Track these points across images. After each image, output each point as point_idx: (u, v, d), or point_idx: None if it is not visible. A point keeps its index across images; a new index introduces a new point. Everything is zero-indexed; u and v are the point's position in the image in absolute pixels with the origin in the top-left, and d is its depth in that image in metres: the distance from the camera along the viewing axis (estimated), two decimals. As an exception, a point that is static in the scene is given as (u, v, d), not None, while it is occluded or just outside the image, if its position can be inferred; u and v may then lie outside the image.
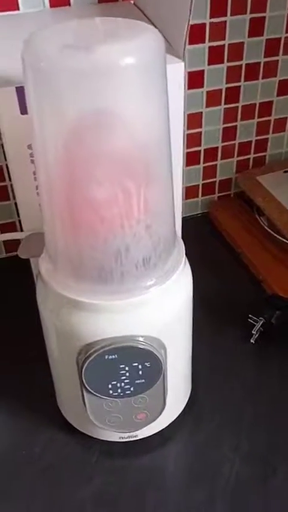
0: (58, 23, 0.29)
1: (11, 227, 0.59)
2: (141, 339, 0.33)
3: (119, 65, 0.25)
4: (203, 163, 0.63)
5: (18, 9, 0.47)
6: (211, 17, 0.53)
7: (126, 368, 0.34)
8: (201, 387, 0.45)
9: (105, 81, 0.25)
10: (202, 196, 0.66)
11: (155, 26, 0.43)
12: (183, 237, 0.49)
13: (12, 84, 0.35)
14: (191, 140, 0.61)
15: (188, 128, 0.60)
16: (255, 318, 0.49)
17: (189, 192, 0.65)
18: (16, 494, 0.38)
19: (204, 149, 0.62)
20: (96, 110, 0.26)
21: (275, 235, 0.58)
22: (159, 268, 0.33)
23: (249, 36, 0.56)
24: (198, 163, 0.63)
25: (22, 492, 0.38)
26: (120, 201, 0.29)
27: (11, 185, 0.55)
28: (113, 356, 0.33)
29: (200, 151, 0.62)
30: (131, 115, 0.27)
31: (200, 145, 0.62)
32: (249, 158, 0.65)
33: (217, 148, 0.63)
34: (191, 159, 0.63)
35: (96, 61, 0.25)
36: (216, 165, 0.64)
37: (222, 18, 0.54)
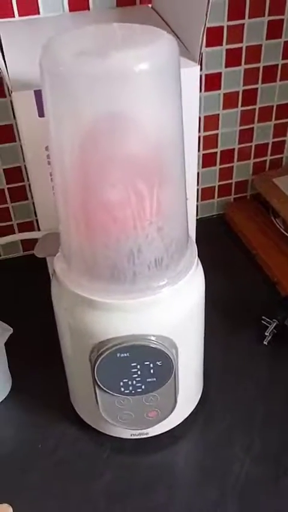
0: (75, 29, 0.30)
1: (29, 226, 0.60)
2: (153, 338, 0.34)
3: (133, 71, 0.25)
4: (220, 164, 0.64)
5: (38, 13, 0.48)
6: (229, 19, 0.53)
7: (138, 367, 0.34)
8: (214, 387, 0.45)
9: (120, 86, 0.26)
10: (218, 197, 0.67)
11: (172, 30, 0.43)
12: (198, 238, 0.50)
13: (31, 87, 0.36)
14: (208, 142, 0.61)
15: (205, 130, 0.60)
16: (268, 320, 0.49)
17: (206, 193, 0.66)
18: (30, 486, 0.39)
19: (221, 151, 0.63)
20: (111, 114, 0.27)
21: (291, 237, 0.58)
22: (172, 269, 0.34)
23: (267, 38, 0.56)
24: (215, 164, 0.64)
25: (36, 484, 0.39)
26: (133, 202, 0.29)
27: (29, 185, 0.56)
28: (125, 354, 0.34)
29: (216, 152, 0.63)
30: (145, 119, 0.28)
31: (216, 146, 0.62)
32: (265, 160, 0.65)
33: (234, 149, 0.63)
34: (207, 161, 0.63)
35: (111, 67, 0.25)
36: (232, 167, 0.65)
37: (240, 21, 0.54)
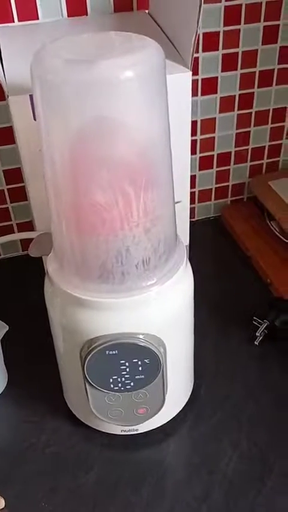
0: (69, 35, 0.31)
1: (29, 226, 0.61)
2: (141, 336, 0.35)
3: (119, 78, 0.26)
4: (216, 167, 0.65)
5: (37, 18, 0.49)
6: (225, 25, 0.54)
7: (127, 364, 0.35)
8: (204, 385, 0.46)
9: (106, 93, 0.27)
10: (215, 199, 0.67)
11: (167, 36, 0.44)
12: (195, 239, 0.51)
13: (27, 92, 0.38)
14: (205, 145, 0.62)
15: (202, 133, 0.61)
16: (259, 321, 0.50)
17: (202, 196, 0.67)
18: (23, 480, 0.40)
19: (218, 154, 0.64)
20: (99, 120, 0.28)
21: (285, 240, 0.59)
22: (160, 269, 0.35)
23: (263, 43, 0.57)
24: (212, 167, 0.64)
25: (28, 478, 0.40)
26: (120, 204, 0.30)
27: (29, 186, 0.58)
28: (114, 352, 0.35)
29: (213, 155, 0.63)
30: (131, 124, 0.29)
31: (213, 149, 0.63)
32: (262, 164, 0.66)
33: (230, 152, 0.64)
34: (204, 163, 0.64)
35: (98, 75, 0.26)
36: (229, 170, 0.65)
37: (236, 26, 0.55)
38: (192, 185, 0.65)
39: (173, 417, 0.43)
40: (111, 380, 0.36)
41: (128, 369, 0.36)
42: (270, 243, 0.61)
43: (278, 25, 0.56)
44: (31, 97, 0.37)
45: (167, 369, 0.37)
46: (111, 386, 0.37)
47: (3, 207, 0.59)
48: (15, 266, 0.60)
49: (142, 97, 0.28)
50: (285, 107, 0.62)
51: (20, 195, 0.59)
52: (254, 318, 0.51)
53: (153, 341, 0.35)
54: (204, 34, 0.54)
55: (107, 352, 0.35)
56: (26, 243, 0.62)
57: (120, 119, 0.28)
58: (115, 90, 0.27)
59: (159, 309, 0.35)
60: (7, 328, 0.44)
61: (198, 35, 0.42)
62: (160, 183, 0.32)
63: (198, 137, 0.61)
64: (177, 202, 0.39)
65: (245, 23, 0.55)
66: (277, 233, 0.61)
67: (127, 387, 0.37)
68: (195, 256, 0.45)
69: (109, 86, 0.27)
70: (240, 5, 0.53)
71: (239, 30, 0.55)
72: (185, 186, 0.46)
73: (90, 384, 0.37)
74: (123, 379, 0.36)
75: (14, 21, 0.49)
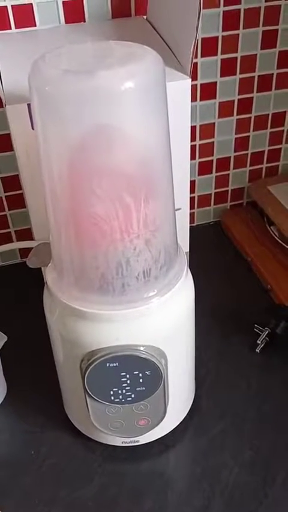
0: (66, 44, 0.30)
1: (27, 233, 0.61)
2: (142, 348, 0.34)
3: (118, 89, 0.26)
4: (216, 172, 0.64)
5: (35, 25, 0.49)
6: (224, 30, 0.54)
7: (127, 376, 0.35)
8: (205, 394, 0.45)
9: (106, 104, 0.27)
10: (214, 204, 0.67)
11: (165, 42, 0.44)
12: (194, 245, 0.50)
13: (25, 101, 0.37)
14: (204, 150, 0.62)
15: (201, 138, 0.61)
16: (260, 328, 0.50)
17: (202, 201, 0.66)
18: (21, 491, 0.40)
19: (217, 159, 0.63)
20: (98, 130, 0.28)
21: (285, 245, 0.59)
22: (160, 280, 0.34)
23: (261, 48, 0.56)
24: (211, 172, 0.64)
25: (27, 489, 0.40)
26: (120, 215, 0.30)
27: (27, 193, 0.57)
28: (115, 364, 0.34)
29: (212, 160, 0.63)
30: (131, 135, 0.28)
31: (212, 154, 0.63)
32: (261, 168, 0.66)
33: (230, 157, 0.64)
34: (203, 168, 0.63)
35: (97, 85, 0.26)
36: (228, 174, 0.65)
37: (235, 31, 0.54)
38: (192, 190, 0.64)
39: (174, 428, 0.42)
40: (111, 392, 0.36)
41: (128, 381, 0.35)
42: (270, 248, 0.60)
43: (277, 30, 0.56)
44: (29, 106, 0.37)
45: (168, 380, 0.37)
46: (112, 398, 0.36)
47: (2, 214, 0.59)
48: (13, 274, 0.60)
49: (142, 107, 0.28)
50: (285, 112, 0.62)
51: (19, 202, 0.58)
52: (255, 325, 0.50)
53: (154, 353, 0.35)
54: (203, 39, 0.54)
55: (107, 364, 0.34)
56: (24, 250, 0.62)
57: (119, 130, 0.28)
58: (114, 101, 0.27)
59: (160, 320, 0.35)
60: (6, 338, 0.44)
61: (197, 40, 0.41)
62: (161, 193, 0.31)
63: (198, 142, 0.61)
64: (177, 210, 0.38)
65: (243, 28, 0.54)
66: (277, 238, 0.61)
67: (128, 399, 0.36)
68: (194, 262, 0.45)
69: (108, 97, 0.26)
70: (239, 10, 0.53)
71: (238, 35, 0.55)
72: (184, 193, 0.45)
73: (91, 396, 0.36)
74: (124, 391, 0.36)
75: (11, 28, 0.48)
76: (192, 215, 0.67)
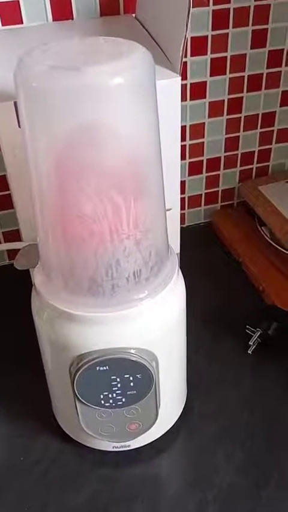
0: (53, 41, 0.29)
1: (16, 235, 0.60)
2: (132, 351, 0.34)
3: (107, 85, 0.25)
4: (206, 172, 0.64)
5: (22, 22, 0.48)
6: (213, 29, 0.53)
7: (118, 380, 0.34)
8: (197, 397, 0.45)
9: (94, 101, 0.26)
10: (205, 205, 0.67)
11: (154, 40, 0.43)
12: (185, 246, 0.50)
13: (12, 98, 0.36)
14: (194, 150, 0.61)
15: (191, 138, 0.60)
16: (252, 329, 0.49)
17: (192, 201, 0.66)
18: (11, 498, 0.39)
19: (207, 159, 0.63)
20: (85, 128, 0.27)
21: (276, 246, 0.58)
22: (151, 282, 0.34)
23: (251, 47, 0.56)
24: (201, 172, 0.64)
25: (17, 496, 0.39)
26: (109, 215, 0.29)
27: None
28: (105, 368, 0.34)
29: (202, 160, 0.63)
30: (119, 132, 0.28)
31: (202, 155, 0.62)
32: (252, 168, 0.66)
33: (220, 158, 0.63)
34: (193, 169, 0.63)
35: (85, 82, 0.25)
36: (219, 175, 0.65)
37: (225, 31, 0.54)
38: (182, 191, 0.64)
39: (166, 432, 0.41)
40: (101, 396, 0.35)
41: (119, 385, 0.35)
42: (261, 248, 0.60)
43: (267, 29, 0.55)
44: (15, 103, 0.36)
45: (159, 383, 0.36)
46: (102, 402, 0.35)
47: (-11, 215, 0.58)
48: (1, 276, 0.59)
49: (131, 103, 0.27)
50: (275, 112, 0.62)
51: (6, 202, 0.57)
52: (247, 326, 0.50)
53: (145, 355, 0.34)
54: (192, 38, 0.53)
55: (97, 368, 0.33)
56: (12, 252, 0.61)
57: (108, 127, 0.27)
58: (103, 97, 0.26)
59: (151, 322, 0.34)
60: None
61: (187, 38, 0.41)
62: (151, 192, 0.31)
63: (188, 142, 0.60)
64: (167, 210, 0.37)
65: (233, 27, 0.54)
66: (268, 239, 0.60)
67: (118, 403, 0.36)
68: (185, 263, 0.44)
69: (97, 94, 0.26)
70: (228, 9, 0.53)
71: (227, 34, 0.54)
72: (175, 193, 0.45)
73: (80, 400, 0.35)
74: (114, 395, 0.35)
75: (-3, 25, 0.47)
76: (182, 216, 0.66)
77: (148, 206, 0.31)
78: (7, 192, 0.56)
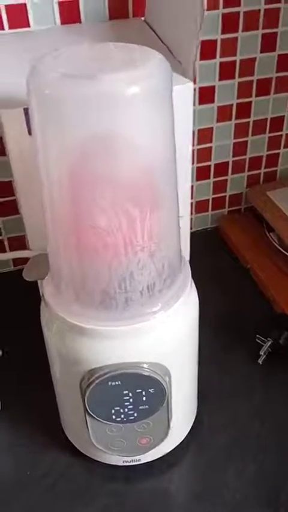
0: (65, 46, 0.29)
1: (21, 241, 0.59)
2: (145, 365, 0.33)
3: (123, 94, 0.24)
4: (214, 177, 0.63)
5: (29, 26, 0.47)
6: (223, 33, 0.53)
7: (130, 394, 0.33)
8: (207, 409, 0.44)
9: (109, 109, 0.25)
10: (212, 210, 0.66)
11: (165, 44, 0.42)
12: (192, 252, 0.49)
13: (21, 105, 0.35)
14: (202, 154, 0.60)
15: (199, 143, 0.59)
16: (262, 339, 0.48)
17: (199, 206, 0.65)
18: (18, 516, 0.38)
19: (215, 164, 0.62)
20: (100, 138, 0.26)
21: (285, 252, 0.57)
22: (164, 294, 0.33)
23: (261, 51, 0.55)
24: (209, 177, 0.63)
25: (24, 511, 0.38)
26: (124, 227, 0.28)
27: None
28: (117, 383, 0.33)
29: (210, 165, 0.62)
30: (135, 142, 0.27)
31: (210, 159, 0.61)
32: (260, 173, 0.65)
33: (228, 162, 0.62)
34: (201, 173, 0.62)
35: (101, 90, 0.24)
36: (226, 180, 0.64)
37: (234, 34, 0.53)
38: (189, 196, 0.63)
39: (176, 446, 0.41)
40: (113, 411, 0.34)
41: (131, 400, 0.34)
42: (270, 255, 0.59)
43: (276, 33, 0.54)
44: (26, 110, 0.35)
45: (172, 397, 0.35)
46: (113, 417, 0.35)
47: (-6, 221, 0.57)
48: (7, 283, 0.58)
49: (148, 113, 0.26)
50: (283, 116, 0.61)
51: (12, 208, 0.56)
52: (257, 336, 0.49)
53: (158, 370, 0.33)
54: (201, 42, 0.52)
55: (109, 383, 0.32)
56: (18, 258, 0.60)
57: (123, 137, 0.26)
58: (119, 106, 0.25)
59: (164, 336, 0.33)
60: (0, 353, 0.42)
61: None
62: (166, 203, 0.30)
63: (196, 147, 0.59)
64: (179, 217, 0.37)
65: (243, 31, 0.53)
66: (276, 245, 0.59)
67: (130, 418, 0.35)
68: (192, 269, 0.43)
69: (112, 102, 0.25)
70: (238, 12, 0.52)
71: (237, 38, 0.53)
72: (185, 200, 0.44)
73: (91, 415, 0.35)
74: (126, 410, 0.34)
75: (4, 29, 0.46)
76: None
77: (163, 217, 0.30)
78: (13, 198, 0.55)
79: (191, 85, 0.38)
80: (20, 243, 0.58)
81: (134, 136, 0.27)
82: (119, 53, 0.28)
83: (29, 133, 0.36)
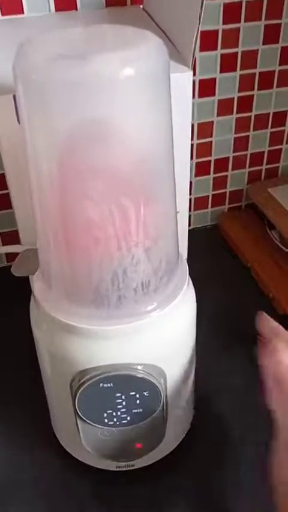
0: (55, 30, 0.27)
1: (15, 236, 0.57)
2: (139, 367, 0.31)
3: (115, 76, 0.23)
4: (214, 173, 0.61)
5: (23, 12, 0.45)
6: (224, 23, 0.51)
7: (123, 397, 0.32)
8: (205, 414, 0.42)
9: (101, 93, 0.23)
10: (212, 207, 0.64)
11: (164, 32, 0.41)
12: (191, 249, 0.47)
13: (10, 91, 0.34)
14: (201, 149, 0.59)
15: (199, 137, 0.58)
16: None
17: (199, 203, 0.63)
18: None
19: (215, 160, 0.60)
20: (91, 124, 0.24)
21: (286, 250, 0.56)
22: (160, 292, 0.31)
23: (263, 43, 0.53)
24: (209, 173, 0.61)
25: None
26: (116, 220, 0.27)
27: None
28: (109, 385, 0.31)
29: (210, 161, 0.60)
30: (129, 129, 0.25)
31: (210, 155, 0.60)
32: (261, 169, 0.63)
33: (228, 158, 0.61)
34: (201, 169, 0.60)
35: (92, 72, 0.23)
36: (227, 176, 0.62)
37: (236, 25, 0.51)
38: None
39: (171, 451, 0.39)
40: (105, 415, 0.33)
41: (124, 403, 0.32)
42: (271, 253, 0.58)
43: (280, 24, 0.53)
44: (15, 97, 0.33)
45: (167, 401, 0.34)
46: (106, 420, 0.33)
47: (-14, 216, 0.55)
48: (0, 278, 0.56)
49: (142, 97, 0.24)
50: (286, 111, 0.59)
51: (4, 202, 0.55)
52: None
53: (152, 372, 0.31)
54: (202, 32, 0.51)
55: (101, 385, 0.31)
56: (11, 253, 0.58)
57: (117, 124, 0.25)
58: (111, 90, 0.23)
59: (159, 336, 0.31)
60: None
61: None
62: (162, 195, 0.28)
63: (195, 141, 0.58)
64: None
65: (245, 22, 0.51)
66: (277, 242, 0.58)
67: (123, 421, 0.33)
68: (190, 268, 0.42)
69: (104, 86, 0.23)
70: (241, 2, 0.50)
71: (239, 28, 0.52)
72: (184, 195, 0.42)
73: (82, 418, 0.33)
74: (119, 413, 0.33)
75: (-4, 16, 0.45)
76: (188, 218, 0.63)
77: (159, 210, 0.28)
78: (5, 191, 0.54)
79: (190, 73, 0.36)
80: (13, 237, 0.57)
81: (128, 123, 0.25)
82: (113, 34, 0.26)
83: (19, 121, 0.35)
